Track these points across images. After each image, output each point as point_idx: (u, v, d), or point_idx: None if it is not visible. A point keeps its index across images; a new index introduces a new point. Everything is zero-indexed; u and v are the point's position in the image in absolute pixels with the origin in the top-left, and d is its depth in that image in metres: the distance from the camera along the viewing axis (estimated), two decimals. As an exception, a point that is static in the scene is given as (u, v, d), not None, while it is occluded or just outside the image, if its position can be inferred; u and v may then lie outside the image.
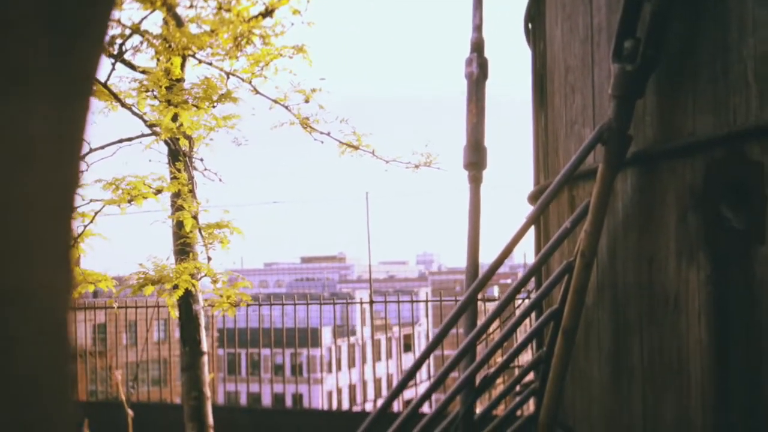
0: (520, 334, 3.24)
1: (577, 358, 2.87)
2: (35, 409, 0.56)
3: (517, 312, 2.93)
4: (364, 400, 11.85)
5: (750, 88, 2.07)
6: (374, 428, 3.12)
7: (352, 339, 27.87)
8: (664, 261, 2.34)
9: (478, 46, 3.26)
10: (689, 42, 2.27)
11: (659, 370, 2.36)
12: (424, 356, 2.79)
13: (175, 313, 4.53)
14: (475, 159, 3.20)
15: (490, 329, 3.10)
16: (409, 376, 2.78)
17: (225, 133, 5.65)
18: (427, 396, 2.70)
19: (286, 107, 5.01)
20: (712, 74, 2.18)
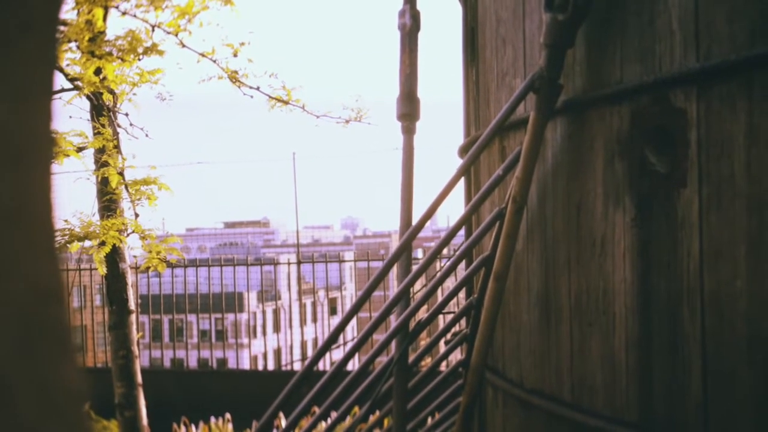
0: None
1: (507, 303, 2.97)
2: None
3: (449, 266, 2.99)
4: (291, 362, 11.89)
5: (675, 35, 2.15)
6: (303, 387, 3.16)
7: (278, 303, 27.78)
8: (592, 205, 2.43)
9: (410, -3, 3.27)
10: (618, -8, 2.33)
11: (586, 310, 2.46)
12: (356, 307, 2.83)
13: (103, 269, 4.45)
14: (409, 110, 3.22)
15: (416, 288, 3.16)
16: (339, 330, 2.83)
17: (149, 88, 5.53)
18: (359, 345, 2.75)
19: (214, 61, 4.91)
20: (639, 23, 2.26)
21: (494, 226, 2.78)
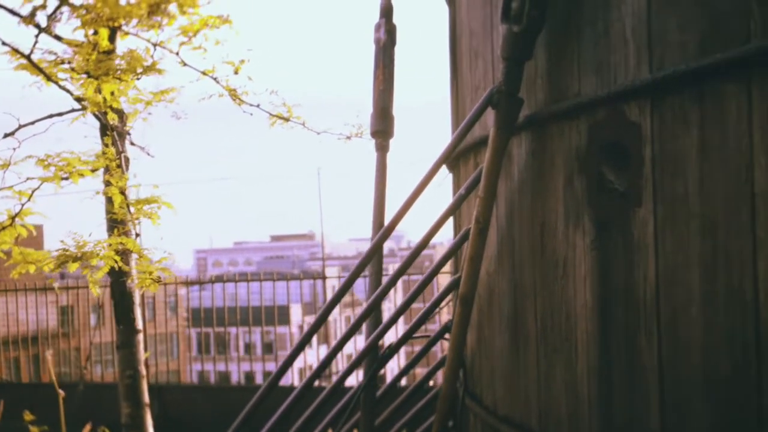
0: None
1: (483, 326, 2.85)
2: None
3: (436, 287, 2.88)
4: (329, 376, 11.86)
5: (628, 46, 2.03)
6: (293, 404, 3.09)
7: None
8: (554, 225, 2.31)
9: (387, 11, 3.18)
10: (574, 1, 2.21)
11: (550, 336, 2.34)
12: (324, 315, 2.74)
13: (96, 291, 4.44)
14: (382, 127, 3.13)
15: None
16: (305, 341, 2.74)
17: (164, 107, 5.56)
18: (324, 367, 2.67)
19: (215, 79, 4.90)
20: (595, 33, 2.14)
21: (463, 246, 2.67)
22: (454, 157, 3.31)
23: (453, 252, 2.66)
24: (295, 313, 29.03)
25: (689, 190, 1.86)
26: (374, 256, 2.81)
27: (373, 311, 2.77)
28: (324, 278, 10.60)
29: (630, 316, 2.02)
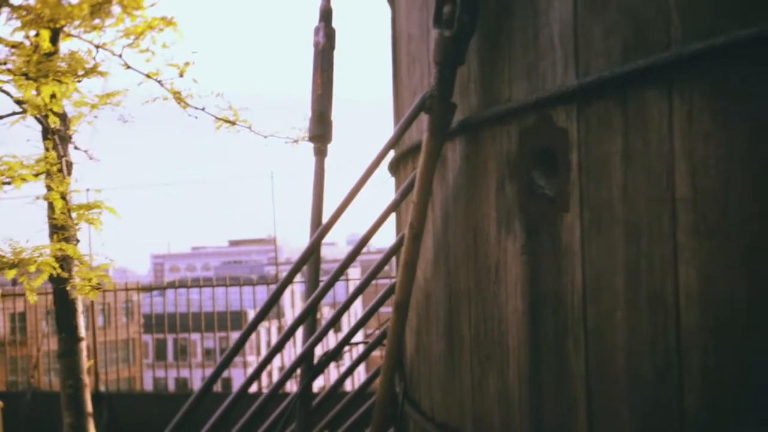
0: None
1: (421, 332, 2.83)
2: None
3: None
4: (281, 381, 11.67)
5: (556, 51, 2.03)
6: (228, 409, 3.04)
7: (282, 321, 27.63)
8: (487, 230, 2.30)
9: (326, 15, 3.15)
10: (506, 6, 2.21)
11: (484, 342, 2.33)
12: (252, 327, 2.70)
13: (33, 298, 4.33)
14: (320, 131, 3.10)
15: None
16: (234, 351, 2.70)
17: (111, 111, 5.46)
18: (257, 374, 2.63)
19: (159, 82, 4.83)
20: (525, 39, 2.14)
21: (399, 252, 2.65)
22: (395, 162, 3.29)
23: (389, 257, 2.64)
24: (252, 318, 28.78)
25: (614, 195, 1.86)
26: (309, 259, 2.77)
27: (308, 316, 2.74)
28: (277, 283, 10.47)
29: (559, 321, 2.02)
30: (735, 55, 1.62)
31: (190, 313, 9.63)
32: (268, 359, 2.69)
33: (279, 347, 2.62)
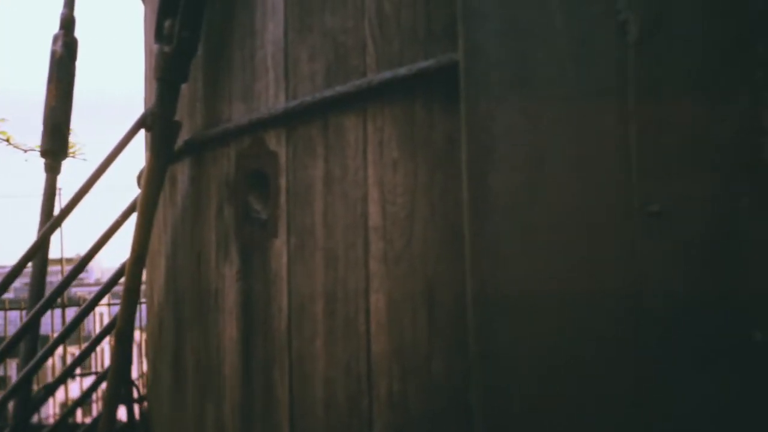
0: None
1: (156, 362, 2.69)
2: None
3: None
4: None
5: (269, 74, 1.99)
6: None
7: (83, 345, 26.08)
8: (208, 255, 2.22)
9: (67, 24, 2.96)
10: (227, 25, 2.16)
11: (204, 371, 2.23)
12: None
13: None
14: (53, 146, 2.90)
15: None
16: None
17: None
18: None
19: None
20: (243, 59, 2.09)
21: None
22: (140, 175, 3.14)
23: (114, 282, 2.49)
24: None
25: (316, 221, 1.84)
26: (16, 276, 2.54)
27: (20, 341, 2.51)
28: (65, 306, 9.80)
29: (268, 349, 1.97)
30: (418, 86, 1.65)
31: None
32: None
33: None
